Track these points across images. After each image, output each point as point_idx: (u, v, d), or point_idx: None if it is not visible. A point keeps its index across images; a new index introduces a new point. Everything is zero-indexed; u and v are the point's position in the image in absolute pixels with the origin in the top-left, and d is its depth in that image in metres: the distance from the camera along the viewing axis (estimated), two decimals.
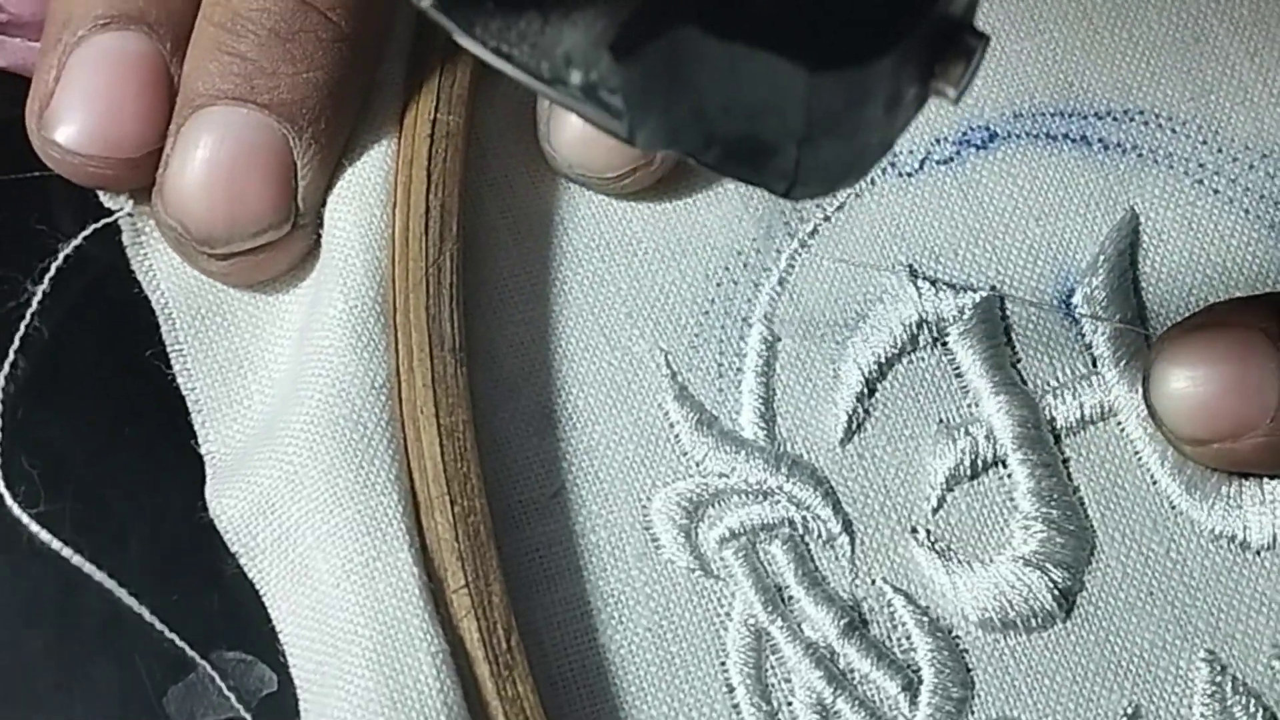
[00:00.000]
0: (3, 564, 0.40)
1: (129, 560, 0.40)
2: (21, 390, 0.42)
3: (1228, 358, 0.39)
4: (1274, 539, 0.40)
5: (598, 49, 0.28)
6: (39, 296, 0.41)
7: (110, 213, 0.42)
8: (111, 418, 0.42)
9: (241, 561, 0.39)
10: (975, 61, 0.28)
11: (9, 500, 0.40)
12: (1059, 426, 0.41)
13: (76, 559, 0.39)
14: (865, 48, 0.27)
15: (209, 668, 0.39)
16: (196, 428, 0.41)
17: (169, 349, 0.41)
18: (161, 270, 0.42)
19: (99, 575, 0.39)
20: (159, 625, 0.39)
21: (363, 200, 0.41)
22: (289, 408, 0.39)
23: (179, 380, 0.41)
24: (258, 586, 0.38)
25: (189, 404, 0.41)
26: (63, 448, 0.42)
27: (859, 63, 0.27)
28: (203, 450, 0.41)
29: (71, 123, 0.40)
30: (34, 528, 0.39)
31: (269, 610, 0.38)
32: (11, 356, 0.41)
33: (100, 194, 0.42)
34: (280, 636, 0.38)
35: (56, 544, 0.39)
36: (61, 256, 0.42)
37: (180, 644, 0.39)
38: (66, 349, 0.42)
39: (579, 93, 0.28)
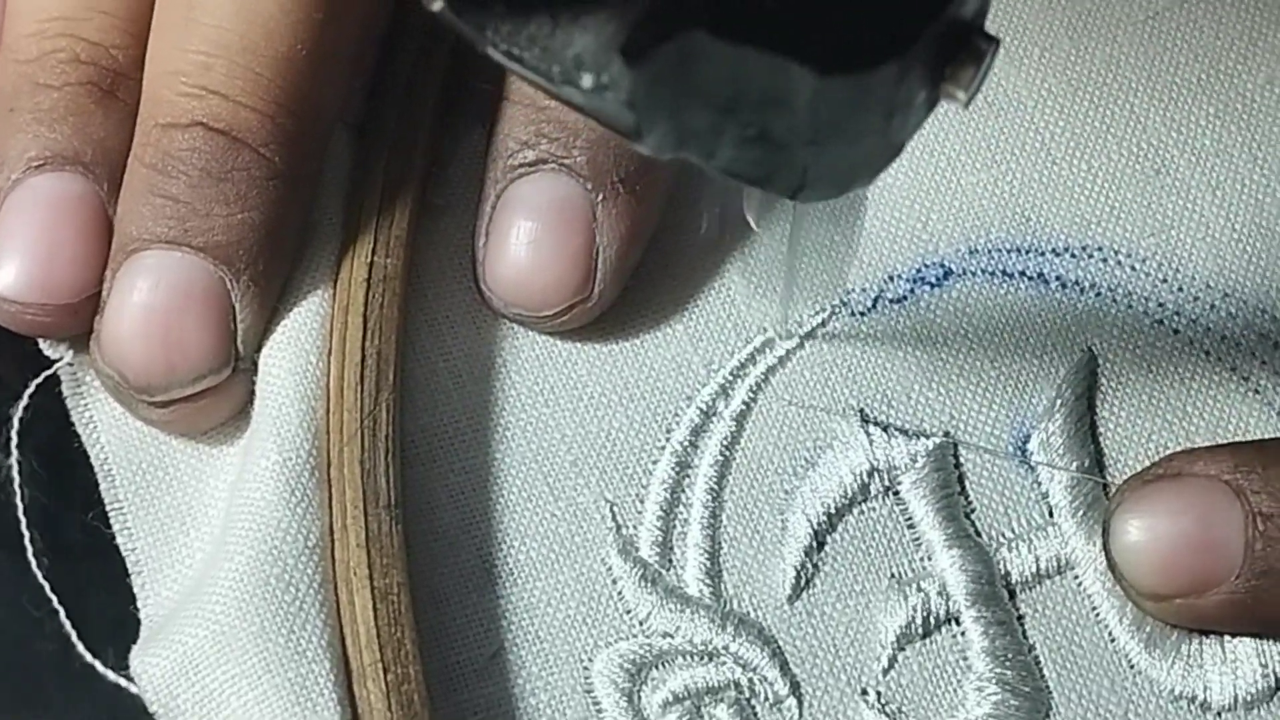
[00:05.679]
0: (11, 565, 0.40)
1: None
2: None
3: (1190, 510, 0.38)
4: (1235, 699, 0.39)
5: (608, 52, 0.28)
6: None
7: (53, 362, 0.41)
8: None
9: None
10: (986, 65, 0.28)
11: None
12: (1014, 581, 0.40)
13: None
14: (875, 52, 0.27)
15: None
16: (135, 590, 0.40)
17: (108, 507, 0.40)
18: (102, 422, 0.41)
19: None
20: None
21: (298, 347, 0.40)
22: (217, 563, 0.38)
23: (119, 540, 0.40)
24: None
25: (128, 565, 0.40)
26: (71, 451, 0.41)
27: (868, 67, 0.27)
28: (141, 614, 0.39)
29: (9, 269, 0.39)
30: None
31: None
32: None
33: (41, 342, 0.41)
34: None
35: None
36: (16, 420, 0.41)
37: None
38: None
39: (590, 95, 0.29)
